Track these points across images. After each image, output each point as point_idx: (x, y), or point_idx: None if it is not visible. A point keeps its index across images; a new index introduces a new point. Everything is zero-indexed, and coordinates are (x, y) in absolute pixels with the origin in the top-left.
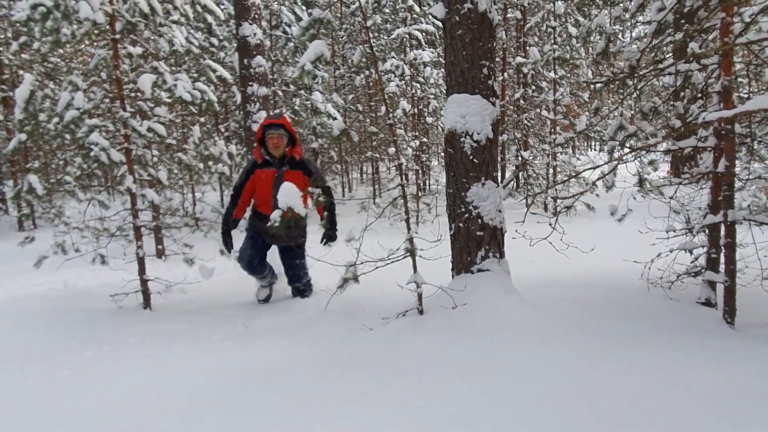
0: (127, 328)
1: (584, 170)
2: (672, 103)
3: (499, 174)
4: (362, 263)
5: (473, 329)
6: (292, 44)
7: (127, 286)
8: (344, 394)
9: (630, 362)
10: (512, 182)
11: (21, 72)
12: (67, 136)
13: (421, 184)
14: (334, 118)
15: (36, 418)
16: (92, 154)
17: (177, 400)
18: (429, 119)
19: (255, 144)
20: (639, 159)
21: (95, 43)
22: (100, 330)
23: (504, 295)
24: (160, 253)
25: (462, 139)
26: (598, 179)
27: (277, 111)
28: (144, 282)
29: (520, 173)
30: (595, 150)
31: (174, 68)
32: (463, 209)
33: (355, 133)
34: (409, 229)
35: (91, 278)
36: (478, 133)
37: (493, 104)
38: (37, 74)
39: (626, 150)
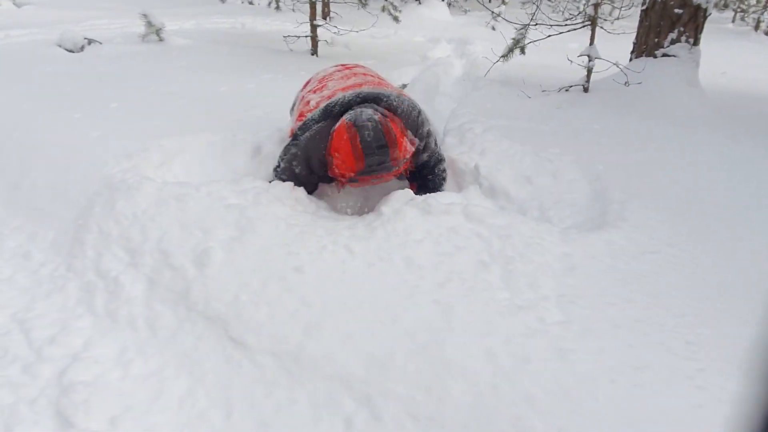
0: (298, 64)
1: None
2: None
3: None
4: (536, 26)
5: (639, 111)
6: None
7: (298, 31)
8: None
9: None
10: None
11: None
12: None
13: None
14: None
15: (228, 113)
16: None
17: None
18: None
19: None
20: None
21: None
22: (274, 62)
23: (684, 85)
24: (325, 15)
25: None
26: None
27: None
28: (314, 27)
29: None
30: None
31: None
32: None
33: None
34: None
35: (264, 25)
36: None
37: None
38: None
39: None
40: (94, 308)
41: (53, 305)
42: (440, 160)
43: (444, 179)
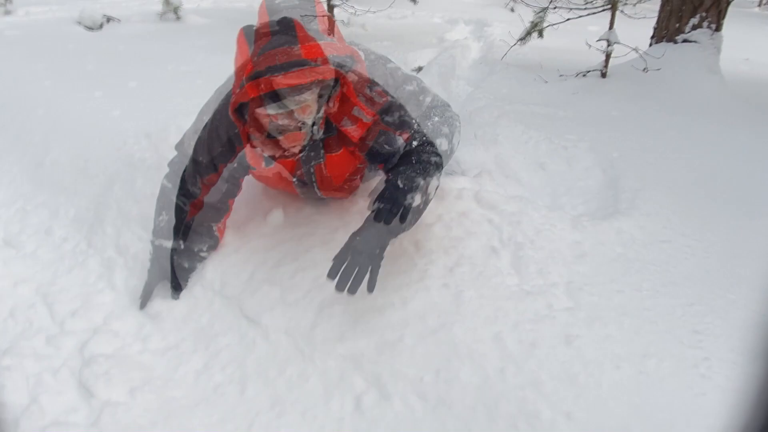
0: None
1: None
2: None
3: None
4: (555, 9)
5: (657, 98)
6: None
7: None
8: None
9: None
10: None
11: None
12: None
13: None
14: None
15: None
16: None
17: None
18: None
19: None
20: None
21: None
22: None
23: (705, 72)
24: None
25: None
26: None
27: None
28: (330, 7)
29: None
30: None
31: None
32: None
33: None
34: None
35: None
36: None
37: None
38: None
39: None
40: (114, 284)
41: (75, 280)
42: (428, 141)
43: (432, 164)
